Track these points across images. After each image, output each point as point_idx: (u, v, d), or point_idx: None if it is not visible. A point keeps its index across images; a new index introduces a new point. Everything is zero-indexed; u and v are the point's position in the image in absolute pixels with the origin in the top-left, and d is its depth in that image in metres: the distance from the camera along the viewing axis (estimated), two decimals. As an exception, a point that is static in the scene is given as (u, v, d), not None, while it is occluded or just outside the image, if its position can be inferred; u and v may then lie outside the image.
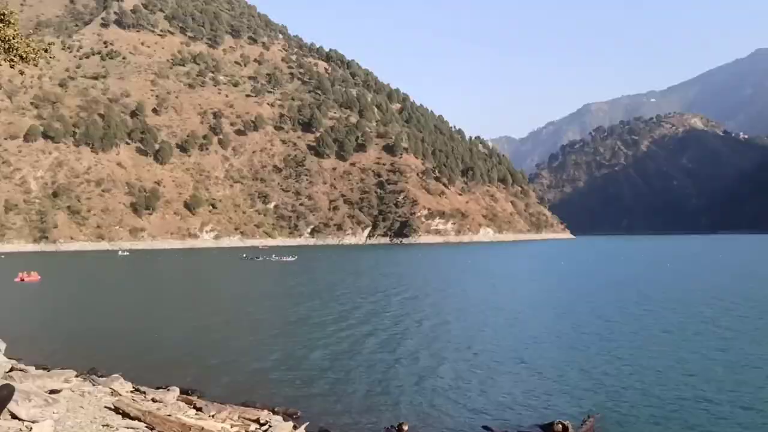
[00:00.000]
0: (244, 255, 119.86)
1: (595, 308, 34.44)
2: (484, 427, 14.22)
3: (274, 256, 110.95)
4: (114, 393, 14.01)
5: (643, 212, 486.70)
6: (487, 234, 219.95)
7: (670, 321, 29.16)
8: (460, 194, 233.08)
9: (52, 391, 11.85)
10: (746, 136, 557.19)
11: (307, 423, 13.88)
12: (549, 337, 25.64)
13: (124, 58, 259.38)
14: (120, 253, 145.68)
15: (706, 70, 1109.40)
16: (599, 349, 22.72)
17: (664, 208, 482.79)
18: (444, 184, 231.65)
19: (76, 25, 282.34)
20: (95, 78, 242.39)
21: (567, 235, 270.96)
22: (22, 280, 61.17)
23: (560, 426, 13.78)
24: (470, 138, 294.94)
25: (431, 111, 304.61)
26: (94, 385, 14.87)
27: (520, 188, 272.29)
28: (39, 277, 63.14)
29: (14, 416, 9.21)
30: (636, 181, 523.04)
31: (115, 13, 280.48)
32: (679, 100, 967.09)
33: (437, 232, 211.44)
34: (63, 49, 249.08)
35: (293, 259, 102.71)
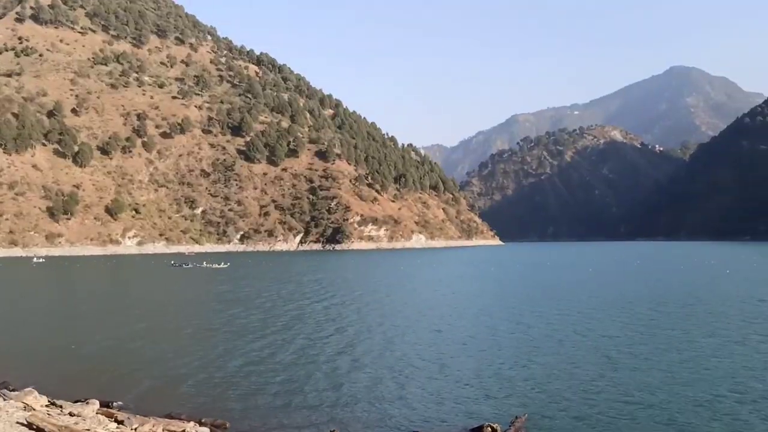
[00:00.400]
0: (173, 262, 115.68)
1: (520, 312, 35.47)
2: (414, 431, 14.36)
3: (205, 263, 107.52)
4: (27, 408, 13.25)
5: (568, 220, 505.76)
6: (419, 240, 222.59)
7: (591, 324, 30.39)
8: (392, 201, 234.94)
9: (-43, 408, 11.09)
10: (661, 149, 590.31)
11: (236, 433, 13.61)
12: (475, 341, 26.20)
13: (41, 55, 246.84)
14: (35, 259, 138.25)
15: (625, 85, 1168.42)
16: (524, 352, 23.42)
17: (586, 216, 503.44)
18: (377, 191, 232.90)
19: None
20: (8, 75, 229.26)
21: (496, 241, 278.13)
22: None
23: (489, 429, 14.08)
24: (403, 145, 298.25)
25: (364, 117, 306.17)
26: (4, 399, 14.01)
27: (451, 195, 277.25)
28: None
29: None
30: (561, 190, 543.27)
31: (31, 7, 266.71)
32: (601, 113, 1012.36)
33: (370, 238, 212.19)
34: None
35: (225, 266, 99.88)
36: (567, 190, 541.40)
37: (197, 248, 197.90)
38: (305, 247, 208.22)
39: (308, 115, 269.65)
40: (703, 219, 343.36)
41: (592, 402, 16.40)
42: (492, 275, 73.07)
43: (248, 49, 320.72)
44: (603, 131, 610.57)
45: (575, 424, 14.75)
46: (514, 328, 29.65)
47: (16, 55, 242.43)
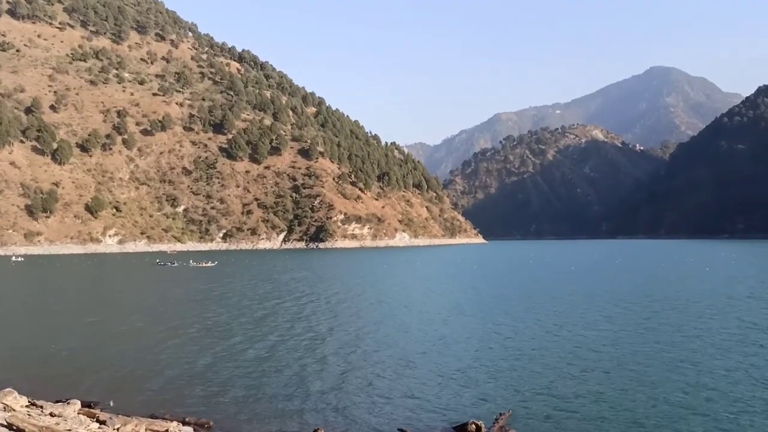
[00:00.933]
0: (158, 260, 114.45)
1: (502, 310, 35.72)
2: (399, 430, 14.39)
3: (192, 261, 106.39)
4: (7, 408, 13.06)
5: (550, 218, 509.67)
6: (402, 239, 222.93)
7: (574, 321, 30.68)
8: (376, 199, 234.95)
9: (-65, 409, 10.89)
10: (642, 148, 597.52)
11: (220, 433, 13.54)
12: (458, 338, 26.33)
13: (18, 50, 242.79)
14: (13, 258, 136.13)
15: (606, 85, 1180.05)
16: (506, 349, 23.61)
17: (568, 214, 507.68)
18: (360, 189, 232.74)
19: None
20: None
21: (480, 239, 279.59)
22: None
23: (473, 426, 14.16)
24: (386, 143, 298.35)
25: (347, 116, 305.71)
26: (-17, 400, 13.80)
27: (434, 194, 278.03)
28: None
29: None
30: (543, 188, 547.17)
31: (7, 2, 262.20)
32: (582, 112, 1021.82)
33: (354, 236, 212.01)
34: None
35: (212, 264, 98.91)
36: (549, 188, 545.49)
37: (179, 247, 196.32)
38: (289, 245, 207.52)
39: (291, 112, 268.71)
40: (683, 217, 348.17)
41: (576, 398, 16.59)
42: (474, 273, 73.40)
43: (230, 46, 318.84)
44: (584, 130, 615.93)
45: (559, 421, 14.89)
46: (497, 326, 29.84)
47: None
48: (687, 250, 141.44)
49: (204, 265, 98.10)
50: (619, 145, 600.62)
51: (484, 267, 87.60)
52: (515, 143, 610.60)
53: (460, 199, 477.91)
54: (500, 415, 14.88)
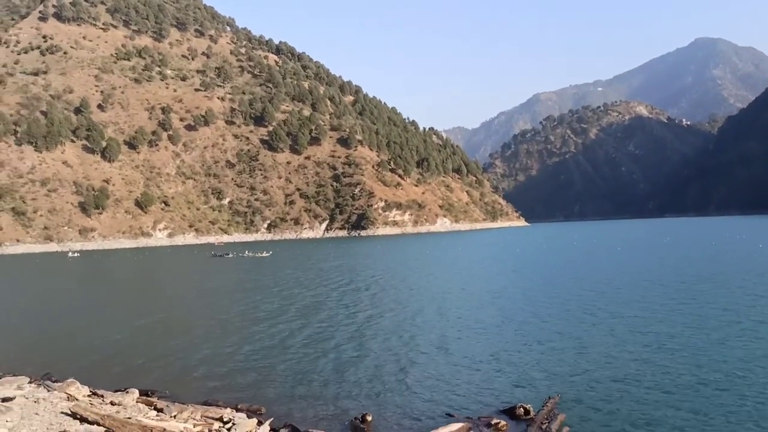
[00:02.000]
0: (214, 252, 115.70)
1: (550, 293, 35.24)
2: (448, 414, 14.41)
3: (247, 252, 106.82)
4: (70, 398, 13.62)
5: (594, 198, 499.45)
6: (444, 224, 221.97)
7: (623, 304, 30.07)
8: (416, 185, 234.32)
9: (5, 399, 11.45)
10: (689, 123, 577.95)
11: (272, 419, 13.83)
12: (506, 323, 26.12)
13: (65, 52, 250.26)
14: (70, 254, 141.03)
15: (649, 59, 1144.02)
16: (555, 333, 23.30)
17: (613, 193, 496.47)
18: (399, 176, 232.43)
19: (12, 19, 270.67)
20: (35, 74, 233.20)
21: (522, 222, 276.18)
22: None
23: (522, 409, 14.09)
24: (424, 129, 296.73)
25: (384, 103, 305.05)
26: (48, 390, 14.42)
27: (474, 178, 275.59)
28: None
29: (-35, 427, 8.88)
30: (586, 168, 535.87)
31: (53, 6, 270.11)
32: (625, 88, 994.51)
33: (395, 223, 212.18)
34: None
35: (268, 254, 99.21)
36: (592, 167, 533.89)
37: (226, 238, 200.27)
38: (331, 234, 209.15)
39: (329, 102, 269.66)
40: (733, 193, 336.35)
41: (625, 382, 16.29)
42: (517, 257, 72.65)
43: (267, 39, 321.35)
44: (628, 107, 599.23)
45: (608, 405, 14.67)
46: (541, 310, 29.49)
47: (42, 54, 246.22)
48: (739, 226, 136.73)
49: (260, 255, 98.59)
50: (665, 120, 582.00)
51: (527, 250, 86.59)
52: (556, 123, 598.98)
53: (500, 183, 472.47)
54: (549, 398, 14.75)
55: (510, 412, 14.22)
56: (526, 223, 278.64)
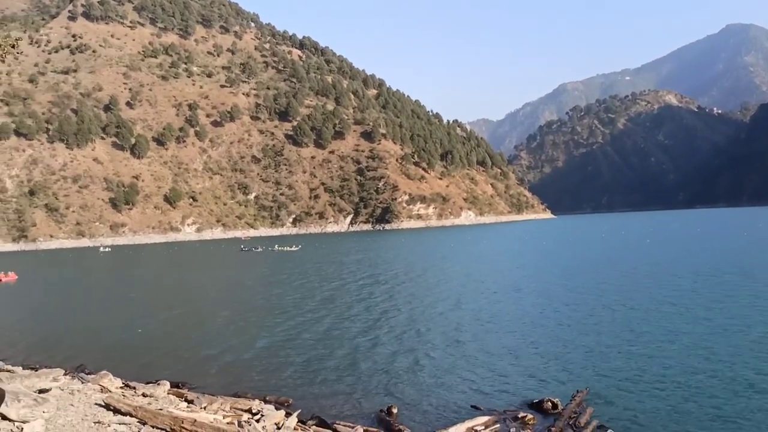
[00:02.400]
0: (243, 246, 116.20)
1: (577, 286, 34.92)
2: (473, 407, 14.40)
3: (277, 246, 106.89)
4: (104, 390, 13.96)
5: (622, 189, 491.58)
6: (468, 217, 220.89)
7: (651, 298, 29.65)
8: (440, 178, 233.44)
9: (41, 391, 11.78)
10: (720, 111, 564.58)
11: (299, 410, 13.99)
12: (533, 316, 25.97)
13: (94, 51, 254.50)
14: (101, 249, 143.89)
15: (678, 47, 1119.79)
16: (583, 326, 23.10)
17: (642, 184, 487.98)
18: (423, 169, 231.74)
19: (43, 19, 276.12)
20: (66, 72, 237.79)
21: (548, 215, 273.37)
22: (0, 280, 60.15)
23: (549, 403, 13.98)
24: (448, 122, 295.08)
25: (408, 96, 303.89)
26: (83, 382, 14.80)
27: (499, 170, 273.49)
28: (16, 277, 62.17)
29: (4, 417, 9.17)
30: (614, 158, 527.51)
31: (82, 5, 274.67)
32: (653, 77, 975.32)
33: (419, 216, 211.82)
34: (31, 44, 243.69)
35: (297, 248, 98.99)
36: (620, 158, 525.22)
37: (252, 232, 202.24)
38: (356, 228, 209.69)
39: (352, 96, 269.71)
40: (766, 182, 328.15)
41: (655, 378, 16.06)
42: (543, 250, 72.05)
43: (291, 34, 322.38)
44: (657, 96, 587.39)
45: (637, 400, 14.50)
46: (567, 303, 29.23)
47: (72, 53, 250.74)
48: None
49: (289, 249, 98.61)
50: (695, 109, 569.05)
51: (553, 243, 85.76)
52: (582, 113, 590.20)
53: (526, 175, 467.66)
54: (577, 392, 14.63)
55: (537, 406, 14.12)
56: (553, 216, 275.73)
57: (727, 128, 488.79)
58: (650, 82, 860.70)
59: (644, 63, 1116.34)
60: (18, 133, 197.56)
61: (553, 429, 12.64)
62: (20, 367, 16.33)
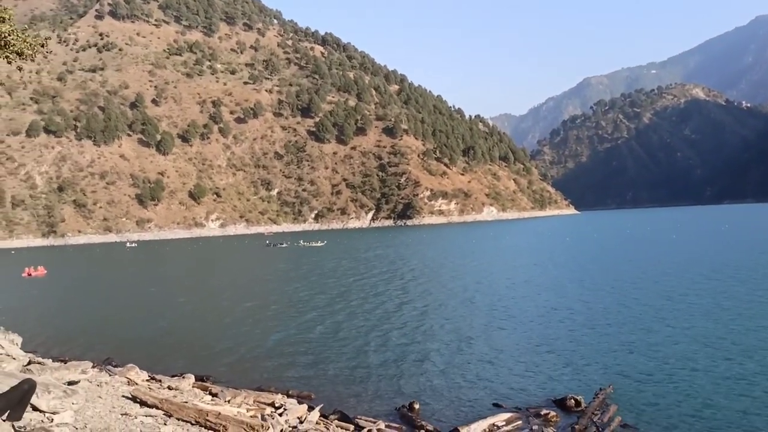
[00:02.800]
0: (268, 242, 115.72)
1: (599, 283, 34.55)
2: (495, 404, 14.34)
3: (302, 241, 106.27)
4: (130, 382, 14.20)
5: (648, 185, 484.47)
6: (490, 213, 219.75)
7: (678, 294, 29.22)
8: (462, 174, 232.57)
9: (70, 383, 12.00)
10: (749, 105, 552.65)
11: (321, 405, 14.07)
12: (556, 312, 25.76)
13: (120, 49, 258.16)
14: (128, 244, 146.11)
15: (706, 39, 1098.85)
16: (607, 323, 22.86)
17: (668, 179, 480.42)
18: (445, 165, 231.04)
19: (71, 18, 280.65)
20: (93, 71, 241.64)
21: (571, 210, 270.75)
22: (29, 275, 61.04)
23: (572, 401, 13.84)
24: (470, 117, 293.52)
25: (429, 91, 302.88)
26: (110, 375, 15.07)
27: (522, 166, 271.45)
28: (45, 271, 63.26)
29: (35, 408, 9.38)
30: (639, 153, 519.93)
31: (108, 4, 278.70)
32: (680, 70, 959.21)
33: (440, 212, 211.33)
34: (59, 42, 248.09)
35: (322, 244, 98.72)
36: (646, 153, 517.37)
37: (275, 228, 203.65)
38: (377, 223, 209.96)
39: (374, 92, 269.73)
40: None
41: (680, 376, 15.83)
42: (566, 246, 71.38)
43: (313, 30, 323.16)
44: (683, 89, 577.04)
45: (662, 398, 14.31)
46: (593, 299, 28.95)
47: (99, 51, 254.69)
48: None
49: (315, 244, 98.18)
50: (723, 103, 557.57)
51: (576, 239, 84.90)
52: (607, 108, 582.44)
53: (549, 170, 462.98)
54: (600, 389, 14.49)
55: (560, 403, 14.01)
56: (576, 211, 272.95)
57: (756, 122, 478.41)
58: (677, 75, 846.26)
59: (671, 56, 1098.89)
60: (47, 131, 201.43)
61: (576, 426, 12.52)
62: (50, 360, 16.68)
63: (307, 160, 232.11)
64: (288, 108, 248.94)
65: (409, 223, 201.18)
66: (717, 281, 32.30)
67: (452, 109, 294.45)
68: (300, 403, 14.15)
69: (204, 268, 67.32)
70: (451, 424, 13.05)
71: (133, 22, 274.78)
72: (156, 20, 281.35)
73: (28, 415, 8.64)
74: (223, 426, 10.22)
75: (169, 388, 14.61)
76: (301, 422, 12.57)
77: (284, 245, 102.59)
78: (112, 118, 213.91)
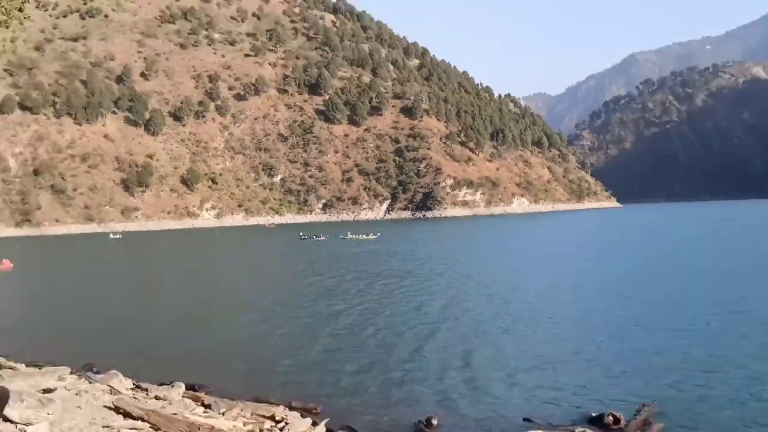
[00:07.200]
0: (301, 233, 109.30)
1: (644, 289, 34.26)
2: (525, 419, 14.25)
3: (349, 234, 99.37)
4: (113, 391, 14.24)
5: (700, 175, 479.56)
6: (521, 204, 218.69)
7: (728, 303, 28.82)
8: (489, 160, 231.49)
9: (46, 390, 12.06)
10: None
11: (327, 419, 14.03)
12: (594, 321, 25.60)
13: (106, 16, 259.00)
14: (111, 235, 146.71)
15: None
16: (652, 334, 22.64)
17: (723, 170, 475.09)
18: (471, 150, 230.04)
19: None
20: (75, 40, 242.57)
21: (613, 203, 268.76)
22: None
23: (611, 417, 13.71)
24: (499, 96, 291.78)
25: (454, 67, 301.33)
26: (90, 382, 15.12)
27: (557, 152, 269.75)
28: (12, 265, 62.87)
29: (6, 419, 9.39)
30: (691, 140, 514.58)
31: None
32: (739, 46, 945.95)
33: (465, 203, 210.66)
34: (37, 7, 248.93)
35: (375, 236, 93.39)
36: (698, 140, 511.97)
37: (278, 219, 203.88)
38: (393, 215, 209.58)
39: (391, 67, 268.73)
40: None
41: (732, 393, 15.61)
42: (608, 243, 70.95)
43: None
44: (742, 68, 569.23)
45: (712, 416, 14.12)
46: (632, 307, 28.66)
47: (81, 18, 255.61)
48: None
49: (365, 237, 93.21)
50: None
51: (621, 237, 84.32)
52: (655, 88, 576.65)
53: (588, 157, 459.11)
54: (643, 405, 14.37)
55: (597, 420, 13.91)
56: (619, 205, 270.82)
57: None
58: (735, 52, 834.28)
59: (729, 30, 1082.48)
60: (23, 107, 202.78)
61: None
62: (23, 365, 16.77)
63: (315, 143, 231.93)
64: (294, 84, 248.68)
65: (429, 215, 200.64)
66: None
67: (480, 87, 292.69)
68: (303, 416, 14.13)
69: (200, 263, 67.59)
70: (475, 443, 12.98)
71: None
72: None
73: (-1, 426, 8.64)
74: (217, 441, 10.19)
75: (157, 398, 14.63)
76: (305, 439, 12.54)
77: (322, 238, 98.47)
78: (96, 94, 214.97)
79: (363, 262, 56.67)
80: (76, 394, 12.86)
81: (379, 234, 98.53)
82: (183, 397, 15.20)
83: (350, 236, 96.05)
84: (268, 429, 12.56)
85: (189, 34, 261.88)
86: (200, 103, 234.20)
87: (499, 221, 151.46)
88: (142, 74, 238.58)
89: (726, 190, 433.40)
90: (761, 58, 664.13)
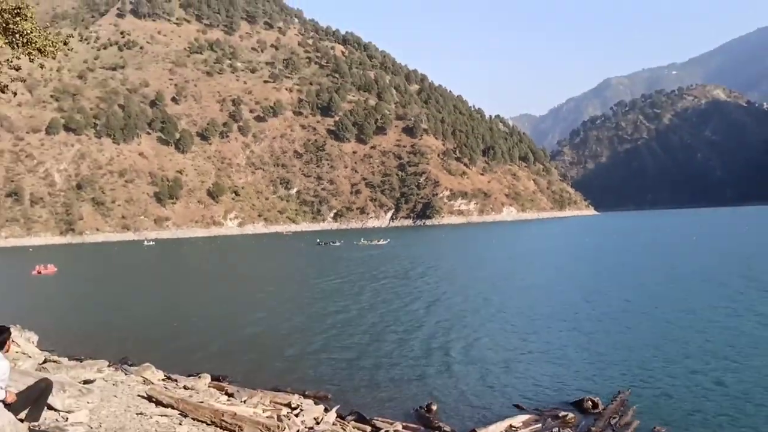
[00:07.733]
0: (319, 240, 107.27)
1: (620, 284, 34.06)
2: (515, 406, 14.16)
3: (362, 239, 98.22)
4: (146, 382, 14.14)
5: (668, 186, 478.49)
6: (510, 213, 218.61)
7: (699, 297, 28.65)
8: (481, 174, 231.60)
9: (86, 382, 11.97)
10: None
11: (338, 406, 13.95)
12: (575, 314, 25.39)
13: (141, 47, 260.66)
14: (146, 242, 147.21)
15: (728, 40, 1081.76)
16: (627, 326, 22.52)
17: (688, 181, 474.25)
18: (465, 165, 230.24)
19: (92, 16, 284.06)
20: (114, 69, 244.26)
21: (591, 211, 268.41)
22: (39, 273, 61.27)
23: (590, 402, 13.73)
24: (490, 117, 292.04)
25: (450, 91, 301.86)
26: (126, 374, 15.03)
27: (542, 166, 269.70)
28: (56, 269, 63.40)
29: (50, 407, 9.31)
30: (659, 155, 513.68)
31: (130, 2, 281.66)
32: (701, 71, 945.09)
33: (460, 212, 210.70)
34: (80, 40, 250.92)
35: (385, 242, 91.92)
36: (666, 154, 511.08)
37: (294, 227, 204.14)
38: (396, 223, 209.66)
39: (394, 91, 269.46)
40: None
41: (700, 380, 15.46)
42: (586, 246, 70.64)
43: (334, 29, 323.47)
44: (704, 91, 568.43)
45: (682, 402, 13.94)
46: (613, 302, 28.50)
47: (119, 49, 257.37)
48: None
49: (376, 242, 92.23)
50: (744, 104, 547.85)
51: (596, 240, 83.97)
52: (627, 108, 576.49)
53: (568, 171, 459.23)
54: (619, 392, 14.30)
55: (577, 405, 13.88)
56: (596, 212, 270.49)
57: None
58: (698, 76, 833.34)
59: (692, 57, 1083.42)
60: (67, 128, 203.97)
61: (593, 429, 12.39)
62: (66, 358, 16.68)
63: (327, 159, 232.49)
64: (308, 107, 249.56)
65: (428, 222, 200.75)
66: (749, 284, 31.60)
67: (472, 109, 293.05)
68: (316, 403, 14.02)
69: (226, 269, 67.44)
70: (468, 426, 12.92)
71: (154, 20, 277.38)
72: (177, 19, 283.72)
73: (43, 414, 8.57)
74: (239, 426, 10.08)
75: (185, 387, 14.53)
76: (318, 423, 12.45)
77: (337, 244, 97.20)
78: (132, 116, 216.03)
79: (376, 262, 56.52)
80: (113, 385, 12.76)
81: (389, 240, 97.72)
82: (209, 386, 15.11)
83: (363, 242, 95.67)
84: (285, 415, 12.44)
85: (215, 63, 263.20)
86: (224, 124, 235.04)
87: (491, 228, 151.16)
88: (173, 99, 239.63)
89: (690, 200, 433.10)
90: (721, 81, 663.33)
